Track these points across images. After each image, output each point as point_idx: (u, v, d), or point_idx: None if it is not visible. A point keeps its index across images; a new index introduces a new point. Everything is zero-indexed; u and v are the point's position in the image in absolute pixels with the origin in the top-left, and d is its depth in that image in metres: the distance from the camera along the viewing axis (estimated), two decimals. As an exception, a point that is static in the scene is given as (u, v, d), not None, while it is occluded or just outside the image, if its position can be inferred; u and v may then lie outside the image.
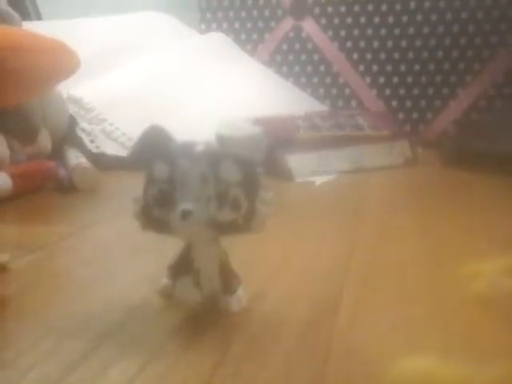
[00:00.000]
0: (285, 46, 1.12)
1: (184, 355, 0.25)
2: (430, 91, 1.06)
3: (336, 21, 1.09)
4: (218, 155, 0.27)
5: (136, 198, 0.29)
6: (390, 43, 1.07)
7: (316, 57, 1.10)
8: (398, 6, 1.05)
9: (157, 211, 0.28)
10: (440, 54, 1.05)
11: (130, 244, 0.42)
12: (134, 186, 0.29)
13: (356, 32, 1.08)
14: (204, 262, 0.28)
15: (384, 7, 1.06)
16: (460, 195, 0.60)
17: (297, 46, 1.11)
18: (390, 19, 1.06)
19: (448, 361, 0.25)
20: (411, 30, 1.05)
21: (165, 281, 0.31)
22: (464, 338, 0.27)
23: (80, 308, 0.31)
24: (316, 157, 0.71)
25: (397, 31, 1.06)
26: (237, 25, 1.13)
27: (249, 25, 1.13)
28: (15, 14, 0.61)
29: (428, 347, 0.26)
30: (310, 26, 1.10)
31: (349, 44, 1.09)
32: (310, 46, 1.10)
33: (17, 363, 0.25)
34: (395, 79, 1.08)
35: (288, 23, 1.11)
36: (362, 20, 1.07)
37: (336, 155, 0.72)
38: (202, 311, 0.29)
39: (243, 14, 1.13)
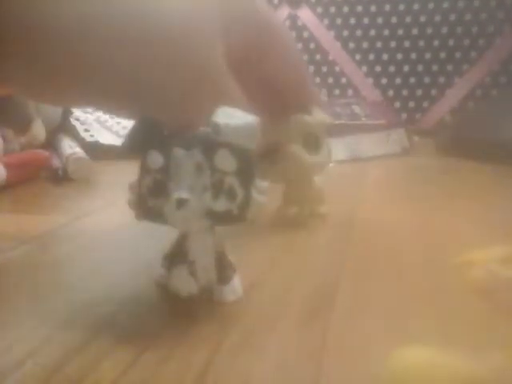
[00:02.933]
0: (281, 35, 1.11)
1: (178, 347, 0.25)
2: (427, 80, 1.06)
3: (332, 9, 1.08)
4: (214, 144, 0.26)
5: (131, 186, 0.28)
6: (386, 32, 1.06)
7: (312, 45, 1.10)
8: (394, -5, 1.05)
9: (151, 201, 0.28)
10: (436, 42, 1.04)
11: (125, 234, 0.42)
12: (128, 176, 0.28)
13: (352, 21, 1.08)
14: (199, 252, 0.28)
15: (381, -5, 1.06)
16: (457, 184, 0.60)
17: (293, 34, 1.10)
18: (387, 8, 1.06)
19: (447, 351, 0.25)
20: (408, 19, 1.05)
21: (160, 271, 0.31)
22: (462, 328, 0.27)
23: (73, 298, 0.30)
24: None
25: (394, 20, 1.06)
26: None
27: (244, 13, 1.12)
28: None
29: (427, 337, 0.26)
30: (305, 15, 1.09)
31: (345, 33, 1.08)
32: (306, 34, 1.10)
33: (9, 354, 0.24)
34: (392, 68, 1.07)
35: (284, 12, 1.10)
36: (359, 9, 1.07)
37: (332, 144, 0.72)
38: (196, 301, 0.29)
39: (239, 2, 1.12)
